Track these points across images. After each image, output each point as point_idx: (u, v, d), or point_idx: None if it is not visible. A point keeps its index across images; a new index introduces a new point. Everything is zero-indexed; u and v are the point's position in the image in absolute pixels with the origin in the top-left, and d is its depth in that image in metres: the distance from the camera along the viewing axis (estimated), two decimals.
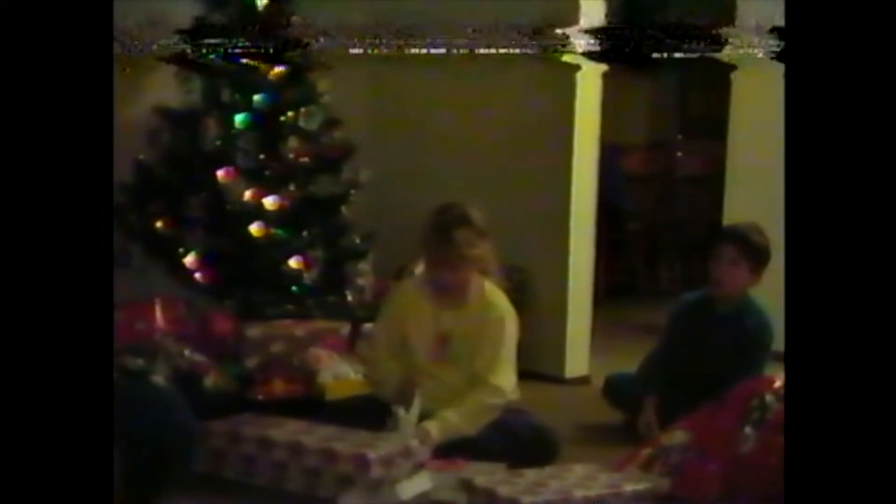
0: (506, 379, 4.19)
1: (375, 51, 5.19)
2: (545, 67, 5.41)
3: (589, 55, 5.35)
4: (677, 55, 5.38)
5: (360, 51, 5.22)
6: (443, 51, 5.10)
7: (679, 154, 8.10)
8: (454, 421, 4.08)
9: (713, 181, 6.43)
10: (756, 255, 4.51)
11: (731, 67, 5.92)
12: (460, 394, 4.15)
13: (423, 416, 4.01)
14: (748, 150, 5.94)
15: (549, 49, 5.29)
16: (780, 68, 3.71)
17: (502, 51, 5.22)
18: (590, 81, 5.47)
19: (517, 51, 5.21)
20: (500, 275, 4.35)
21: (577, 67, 5.39)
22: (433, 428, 4.04)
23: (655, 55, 5.20)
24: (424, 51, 5.10)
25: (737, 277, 4.54)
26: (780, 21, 5.09)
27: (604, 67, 5.48)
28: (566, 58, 5.35)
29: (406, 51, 5.13)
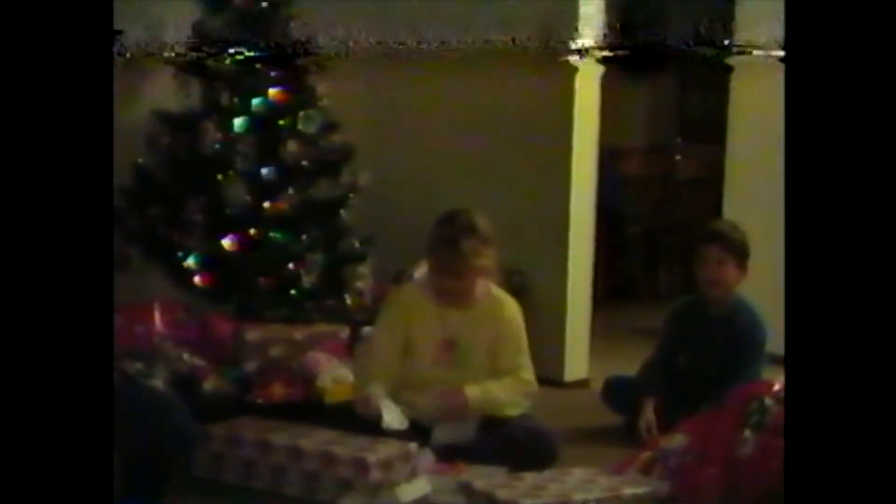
0: (531, 373, 4.27)
1: (375, 48, 5.20)
2: (544, 70, 5.40)
3: (588, 56, 5.36)
4: (676, 56, 5.40)
5: (359, 52, 5.23)
6: (440, 49, 5.12)
7: (678, 157, 8.10)
8: (497, 394, 4.14)
9: (712, 184, 6.43)
10: (739, 252, 4.61)
11: (730, 69, 5.93)
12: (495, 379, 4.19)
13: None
14: (747, 153, 5.94)
15: (548, 51, 5.29)
16: (778, 70, 3.72)
17: (501, 50, 5.24)
18: (589, 84, 5.47)
19: (517, 50, 5.22)
20: (499, 277, 4.36)
21: (576, 70, 5.39)
22: (471, 392, 4.10)
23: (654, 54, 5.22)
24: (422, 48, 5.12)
25: (727, 275, 4.62)
26: (779, 22, 5.11)
27: (602, 70, 5.49)
28: (565, 60, 5.35)
29: (405, 48, 5.15)
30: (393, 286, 4.88)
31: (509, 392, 4.19)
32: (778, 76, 3.50)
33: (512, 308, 4.30)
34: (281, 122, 5.05)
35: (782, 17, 2.66)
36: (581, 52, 5.36)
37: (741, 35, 5.62)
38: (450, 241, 4.13)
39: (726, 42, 5.61)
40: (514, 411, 4.19)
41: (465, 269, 4.15)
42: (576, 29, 5.36)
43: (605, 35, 5.41)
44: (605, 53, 5.42)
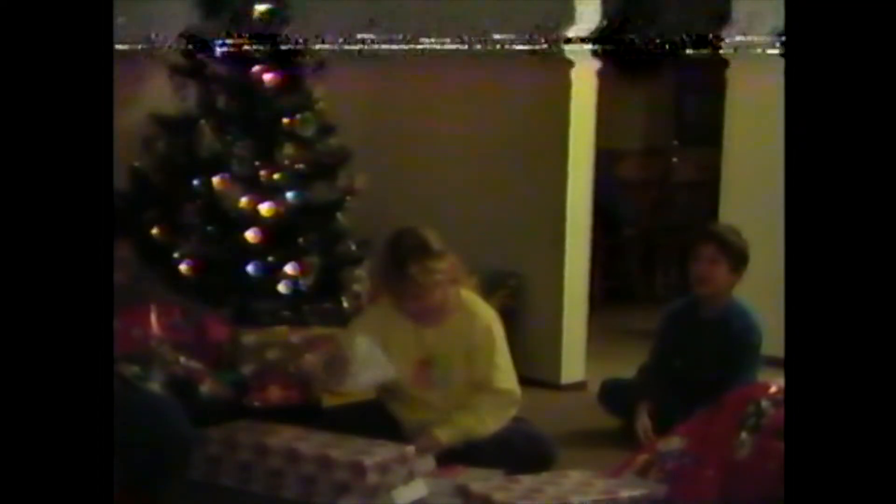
0: (509, 381, 4.16)
1: (373, 48, 5.22)
2: (540, 72, 5.41)
3: (585, 56, 5.37)
4: (673, 57, 5.40)
5: (355, 50, 5.24)
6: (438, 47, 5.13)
7: (675, 159, 8.12)
8: (467, 424, 4.05)
9: (709, 186, 6.44)
10: (734, 255, 4.58)
11: (727, 70, 5.93)
12: (467, 401, 4.10)
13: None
14: (743, 155, 5.95)
15: (544, 52, 5.30)
16: (775, 73, 3.73)
17: (497, 50, 5.25)
18: (585, 86, 5.48)
19: (514, 49, 5.23)
20: (471, 280, 4.28)
21: (573, 69, 5.39)
22: (442, 434, 4.01)
23: (651, 54, 5.22)
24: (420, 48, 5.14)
25: (717, 276, 4.59)
26: (776, 21, 5.12)
27: (598, 70, 5.49)
28: (561, 61, 5.36)
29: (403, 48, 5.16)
30: None
31: (483, 414, 4.09)
32: (775, 77, 3.51)
33: (484, 319, 4.16)
34: (277, 126, 5.05)
35: (780, 14, 2.66)
36: (577, 53, 5.36)
37: (738, 32, 5.63)
38: (398, 266, 4.02)
39: (723, 39, 5.62)
40: (495, 426, 4.09)
41: (418, 291, 4.04)
42: (571, 26, 5.36)
43: (600, 31, 5.41)
44: (601, 47, 5.42)
